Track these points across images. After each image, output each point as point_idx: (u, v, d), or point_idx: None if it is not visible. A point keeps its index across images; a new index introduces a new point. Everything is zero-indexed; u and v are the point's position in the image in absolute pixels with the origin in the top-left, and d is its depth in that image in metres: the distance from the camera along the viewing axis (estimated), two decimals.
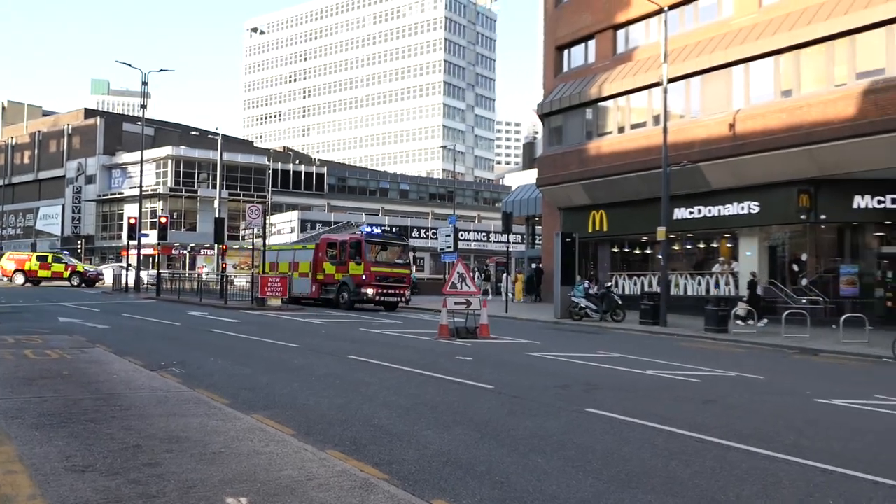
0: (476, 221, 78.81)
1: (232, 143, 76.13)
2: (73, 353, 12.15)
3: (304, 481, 5.35)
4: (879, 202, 24.41)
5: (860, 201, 24.61)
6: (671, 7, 27.63)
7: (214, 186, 62.78)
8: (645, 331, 22.55)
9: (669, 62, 25.75)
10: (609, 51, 33.33)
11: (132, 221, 40.57)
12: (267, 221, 44.91)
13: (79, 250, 64.94)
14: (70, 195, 74.54)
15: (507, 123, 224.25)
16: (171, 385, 9.62)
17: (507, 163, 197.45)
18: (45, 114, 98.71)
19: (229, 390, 9.70)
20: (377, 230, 32.88)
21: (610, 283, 29.06)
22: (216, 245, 40.77)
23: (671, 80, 26.20)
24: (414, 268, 45.26)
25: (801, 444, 7.55)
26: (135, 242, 40.40)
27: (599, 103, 33.07)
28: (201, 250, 67.70)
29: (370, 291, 28.38)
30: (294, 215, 67.72)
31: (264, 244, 31.94)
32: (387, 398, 9.52)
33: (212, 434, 6.74)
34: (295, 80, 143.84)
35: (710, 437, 7.69)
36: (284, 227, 67.95)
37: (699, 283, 29.49)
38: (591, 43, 34.55)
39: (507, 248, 36.16)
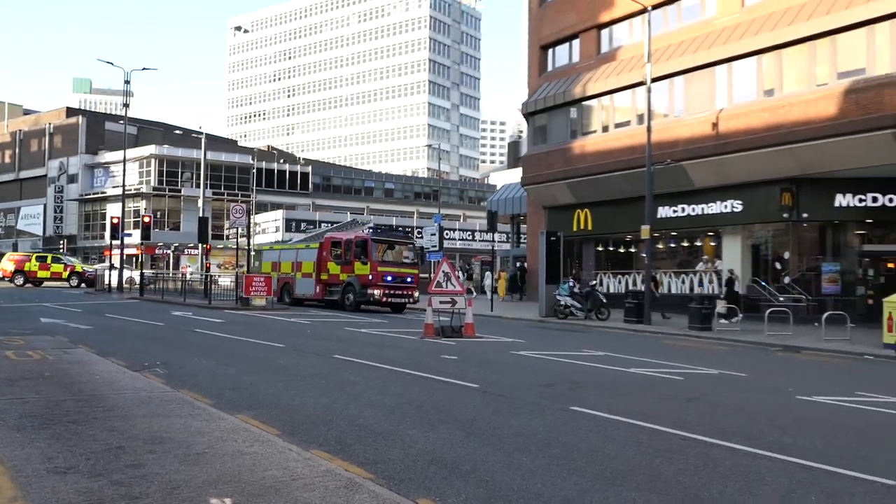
0: (461, 220, 78.82)
1: (216, 143, 75.82)
2: (55, 354, 12.04)
3: (288, 481, 5.33)
4: (860, 201, 24.65)
5: (841, 200, 24.85)
6: (655, 7, 27.79)
7: (198, 186, 62.48)
8: (629, 329, 22.64)
9: (653, 62, 25.89)
10: (593, 50, 33.45)
11: (115, 221, 40.25)
12: (251, 221, 44.73)
13: (61, 250, 64.38)
14: (52, 195, 73.92)
15: (492, 122, 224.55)
16: (155, 385, 9.56)
17: (493, 162, 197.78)
18: (26, 112, 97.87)
19: (213, 390, 9.65)
20: (383, 228, 31.38)
21: (594, 282, 29.19)
22: (200, 245, 40.59)
23: (655, 80, 26.34)
24: None
25: (783, 441, 7.61)
26: (118, 242, 40.10)
27: (584, 102, 33.19)
28: (185, 250, 67.34)
29: (377, 292, 26.96)
30: (278, 214, 67.44)
31: (248, 244, 31.77)
32: (372, 397, 9.51)
33: (196, 434, 6.70)
34: (279, 79, 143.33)
35: (694, 435, 7.74)
36: (269, 227, 67.64)
37: (683, 282, 29.66)
38: (576, 42, 34.66)
39: (492, 246, 36.25)
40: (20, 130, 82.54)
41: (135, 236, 51.27)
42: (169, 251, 67.72)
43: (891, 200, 24.30)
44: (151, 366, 11.76)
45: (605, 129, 32.16)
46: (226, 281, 34.77)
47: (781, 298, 25.26)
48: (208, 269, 36.42)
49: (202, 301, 29.74)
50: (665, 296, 27.83)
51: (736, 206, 26.95)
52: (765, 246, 28.65)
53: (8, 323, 18.72)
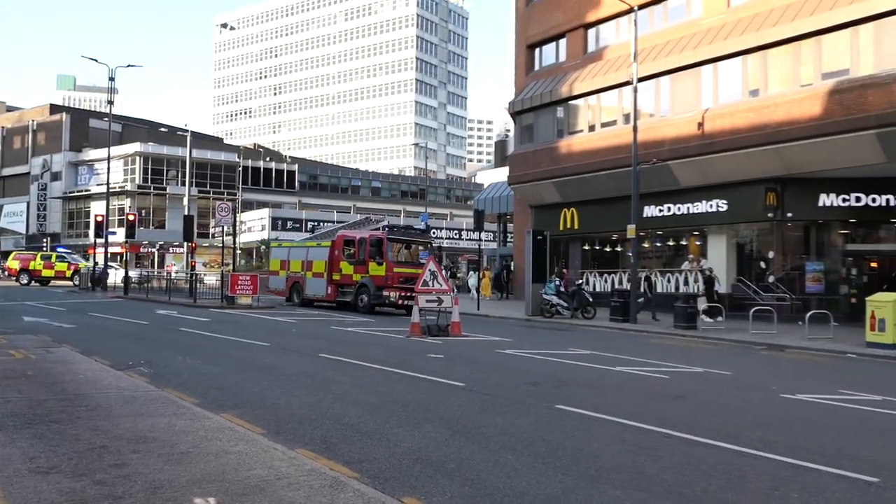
0: (448, 219, 78.85)
1: (201, 140, 75.43)
2: (38, 353, 11.95)
3: (273, 480, 5.32)
4: (844, 200, 24.85)
5: (825, 199, 25.03)
6: (641, 7, 27.90)
7: (183, 184, 62.24)
8: (615, 328, 22.73)
9: (640, 61, 25.99)
10: (580, 50, 33.53)
11: (99, 219, 39.96)
12: (237, 219, 44.57)
13: (44, 248, 63.87)
14: (35, 192, 73.30)
15: (480, 121, 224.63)
16: (139, 385, 9.51)
17: (479, 161, 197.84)
18: (9, 109, 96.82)
19: (198, 390, 9.61)
20: (399, 226, 28.94)
21: (581, 281, 29.27)
22: (185, 243, 40.36)
23: (641, 80, 26.45)
24: None
25: (766, 439, 7.66)
26: (102, 241, 39.84)
27: (570, 102, 33.27)
28: (170, 248, 67.01)
29: (393, 294, 25.34)
30: (265, 213, 67.26)
31: (234, 242, 31.53)
32: (357, 396, 9.50)
33: (180, 434, 6.67)
34: (265, 77, 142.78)
35: (678, 433, 7.78)
36: (255, 225, 67.45)
37: (669, 281, 29.79)
38: (563, 42, 34.73)
39: (479, 245, 36.26)
40: (3, 127, 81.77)
41: (119, 234, 50.96)
42: (154, 250, 67.39)
43: (874, 200, 24.51)
44: (135, 365, 11.69)
45: (592, 128, 32.25)
46: (211, 280, 34.63)
47: (766, 297, 25.43)
48: (193, 267, 36.31)
49: (187, 300, 29.60)
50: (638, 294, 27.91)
51: (721, 205, 27.11)
52: (750, 245, 28.85)
53: None
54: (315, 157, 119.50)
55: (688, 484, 5.99)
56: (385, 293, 25.49)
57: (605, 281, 32.51)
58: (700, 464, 6.63)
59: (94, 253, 42.47)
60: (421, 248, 27.42)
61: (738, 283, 27.26)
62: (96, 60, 42.06)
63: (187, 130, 60.44)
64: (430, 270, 18.61)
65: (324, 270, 27.88)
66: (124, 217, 47.46)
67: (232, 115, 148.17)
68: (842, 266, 25.78)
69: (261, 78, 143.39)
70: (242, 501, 4.84)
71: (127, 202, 67.43)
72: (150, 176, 68.84)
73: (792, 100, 24.17)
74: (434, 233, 55.00)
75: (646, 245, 31.45)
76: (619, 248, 33.25)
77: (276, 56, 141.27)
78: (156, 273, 45.04)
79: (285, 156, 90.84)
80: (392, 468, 6.19)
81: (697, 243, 29.78)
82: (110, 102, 42.29)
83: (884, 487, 6.11)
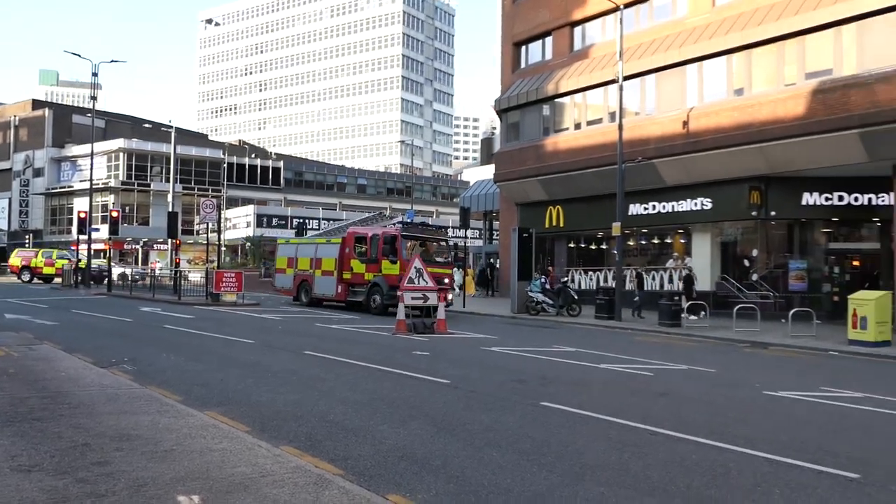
0: (434, 216, 78.83)
1: (186, 136, 74.91)
2: (19, 351, 11.84)
3: (257, 478, 5.30)
4: (827, 199, 25.05)
5: (809, 198, 25.23)
6: (627, 5, 27.98)
7: (168, 180, 61.81)
8: (600, 325, 22.80)
9: (625, 60, 26.07)
10: (566, 48, 33.59)
11: (82, 215, 39.60)
12: (222, 216, 44.34)
13: (27, 245, 63.30)
14: (17, 188, 72.61)
15: (466, 119, 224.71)
16: (122, 382, 9.45)
17: (466, 158, 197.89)
18: None
19: (182, 387, 9.56)
20: (414, 222, 27.09)
21: (566, 278, 29.34)
22: (170, 240, 40.09)
23: (627, 78, 26.54)
24: None
25: (749, 436, 7.72)
26: (85, 237, 39.50)
27: (556, 100, 33.33)
28: (154, 245, 66.59)
29: None
30: (250, 210, 66.98)
31: (219, 239, 31.34)
32: (343, 394, 9.48)
33: (163, 431, 6.64)
34: (251, 73, 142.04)
35: (662, 430, 7.82)
36: (240, 222, 67.18)
37: (654, 279, 29.92)
38: (549, 40, 34.78)
39: (465, 243, 36.27)
40: None
41: (103, 231, 50.50)
42: (138, 246, 66.93)
43: (856, 199, 24.73)
44: (119, 362, 11.62)
45: (578, 126, 32.33)
46: (196, 277, 34.42)
47: (750, 295, 25.61)
48: (178, 264, 36.08)
49: (171, 297, 29.42)
50: (633, 293, 28.00)
51: (706, 203, 27.26)
52: (734, 243, 29.02)
53: None
54: (301, 153, 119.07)
55: (672, 481, 6.03)
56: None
57: (591, 279, 32.61)
58: (684, 460, 6.67)
59: (77, 249, 42.10)
60: (438, 245, 26.05)
61: (722, 281, 27.43)
62: (79, 55, 41.68)
63: (172, 126, 60.06)
64: (415, 268, 18.60)
65: (334, 269, 26.48)
66: (108, 213, 47.09)
67: (217, 112, 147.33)
68: (824, 264, 26.00)
69: (246, 74, 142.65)
70: (226, 499, 4.82)
71: (110, 198, 66.89)
72: (133, 172, 68.34)
73: (776, 99, 24.33)
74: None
75: (631, 243, 31.57)
76: (604, 246, 33.38)
77: (261, 52, 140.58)
78: (141, 270, 44.72)
79: (271, 152, 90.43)
80: (377, 465, 6.19)
81: (682, 241, 29.94)
82: (93, 98, 41.92)
83: (864, 483, 6.17)
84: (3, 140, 77.55)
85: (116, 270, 39.67)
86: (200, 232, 57.83)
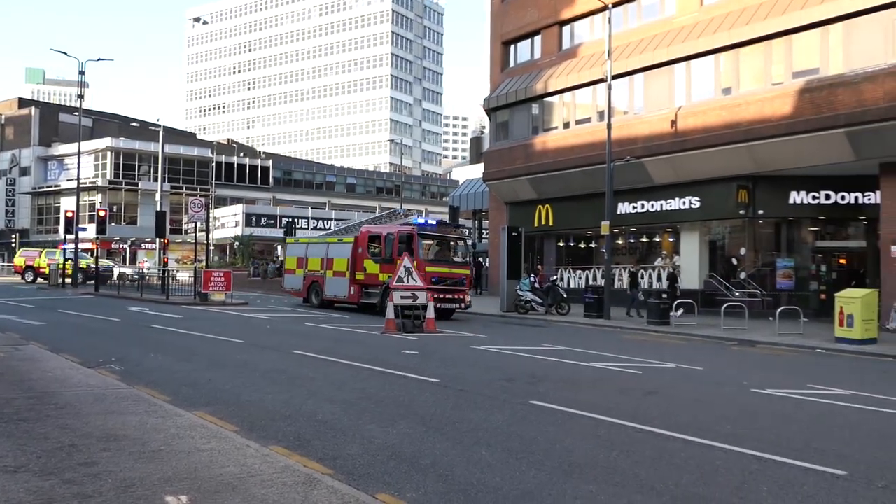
0: (423, 216, 78.69)
1: (174, 135, 74.58)
2: (5, 351, 11.75)
3: (246, 478, 5.28)
4: (814, 198, 25.21)
5: (796, 197, 25.38)
6: (616, 4, 28.04)
7: (156, 179, 61.48)
8: (589, 324, 22.86)
9: (614, 59, 26.14)
10: (555, 47, 33.65)
11: (69, 215, 39.36)
12: (210, 215, 44.16)
13: (13, 244, 62.87)
14: (3, 187, 72.10)
15: (455, 118, 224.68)
16: (109, 382, 9.39)
17: (455, 157, 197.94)
18: None
19: (170, 387, 9.52)
20: (431, 221, 26.30)
21: (555, 277, 29.40)
22: (158, 239, 39.86)
23: (615, 77, 26.62)
24: None
25: (737, 433, 7.75)
26: (72, 237, 39.26)
27: (545, 99, 33.39)
28: (142, 245, 66.26)
29: None
30: (238, 209, 66.72)
31: (207, 238, 31.15)
32: (331, 393, 9.46)
33: (151, 432, 6.60)
34: (239, 72, 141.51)
35: (651, 428, 7.85)
36: (229, 221, 66.92)
37: (642, 277, 30.00)
38: (537, 39, 34.84)
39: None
40: None
41: (90, 230, 50.23)
42: (125, 246, 66.58)
43: (843, 198, 24.90)
44: (106, 362, 11.55)
45: (567, 125, 32.40)
46: (184, 276, 34.27)
47: (737, 293, 25.75)
48: (166, 263, 35.91)
49: (159, 296, 29.28)
50: (625, 291, 28.07)
51: (694, 202, 27.38)
52: (722, 242, 29.17)
53: None
54: (289, 152, 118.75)
55: (661, 478, 6.05)
56: None
57: (580, 277, 32.70)
58: (672, 458, 6.69)
59: (64, 249, 41.86)
60: (455, 244, 25.11)
61: (710, 280, 27.57)
62: (66, 54, 41.40)
63: (159, 125, 59.69)
64: (404, 267, 18.58)
65: (346, 269, 25.29)
66: (95, 213, 46.78)
67: (205, 110, 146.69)
68: (811, 263, 26.19)
69: (234, 73, 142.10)
70: (215, 499, 4.80)
71: (98, 197, 66.51)
72: (121, 171, 67.98)
73: (763, 98, 24.46)
74: None
75: (620, 241, 31.67)
76: (593, 245, 33.47)
77: (249, 51, 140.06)
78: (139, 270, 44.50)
79: (259, 151, 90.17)
80: (366, 464, 6.18)
81: (670, 240, 30.06)
82: (80, 96, 41.64)
83: (850, 480, 6.21)
84: None
85: (116, 270, 39.48)
86: (189, 231, 57.59)
